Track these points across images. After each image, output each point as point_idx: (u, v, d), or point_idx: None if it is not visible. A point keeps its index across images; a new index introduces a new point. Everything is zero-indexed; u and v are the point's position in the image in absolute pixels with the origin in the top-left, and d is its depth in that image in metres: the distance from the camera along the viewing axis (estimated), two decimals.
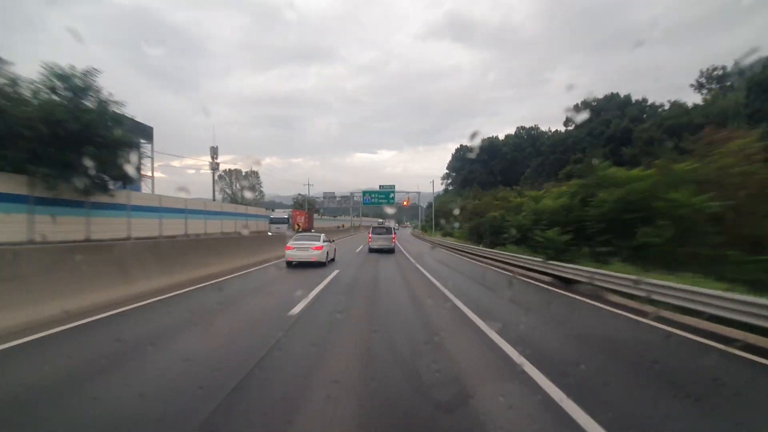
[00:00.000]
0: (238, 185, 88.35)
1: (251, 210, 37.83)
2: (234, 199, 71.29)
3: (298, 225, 33.95)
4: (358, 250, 22.15)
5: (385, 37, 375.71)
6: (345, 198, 69.52)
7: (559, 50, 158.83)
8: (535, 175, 63.10)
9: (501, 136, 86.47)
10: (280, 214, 34.32)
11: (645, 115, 52.08)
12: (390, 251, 20.22)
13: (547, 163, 55.90)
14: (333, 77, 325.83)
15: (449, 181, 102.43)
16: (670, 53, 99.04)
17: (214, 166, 38.30)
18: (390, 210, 62.96)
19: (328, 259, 14.80)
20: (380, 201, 52.29)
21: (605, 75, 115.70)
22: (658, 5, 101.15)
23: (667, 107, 53.21)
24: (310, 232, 28.99)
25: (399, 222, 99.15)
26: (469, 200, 36.23)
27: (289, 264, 13.83)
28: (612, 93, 60.64)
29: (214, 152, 38.51)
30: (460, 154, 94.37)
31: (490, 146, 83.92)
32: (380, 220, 68.56)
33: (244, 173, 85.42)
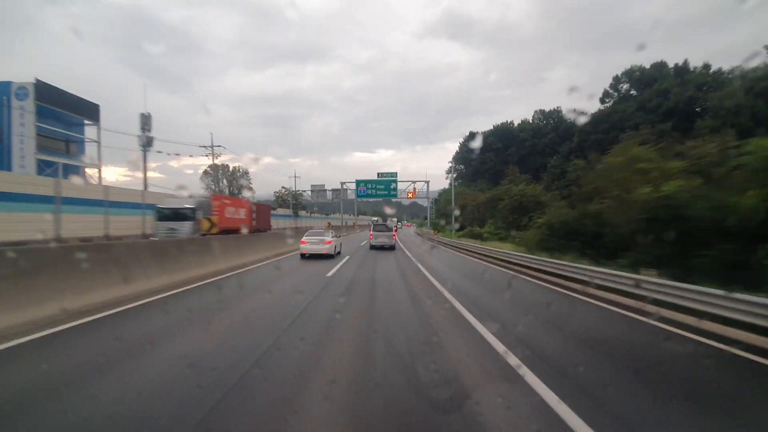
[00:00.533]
0: (225, 181, 78.80)
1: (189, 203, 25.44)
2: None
3: (213, 223, 18.32)
4: (321, 285, 11.04)
5: (382, 35, 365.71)
6: (337, 192, 58.21)
7: (556, 49, 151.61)
8: (565, 162, 52.43)
9: (516, 122, 75.44)
10: (177, 202, 18.28)
11: (713, 82, 41.24)
12: (391, 248, 19.97)
13: (585, 146, 45.02)
14: (330, 76, 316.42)
15: (455, 175, 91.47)
16: (669, 52, 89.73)
17: (144, 141, 27.32)
18: (390, 210, 53.68)
19: (336, 252, 16.05)
20: (379, 193, 41.38)
21: (604, 74, 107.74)
22: (656, 3, 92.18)
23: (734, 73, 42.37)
24: (257, 232, 18.48)
25: (399, 220, 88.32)
26: (504, 186, 25.34)
27: (303, 256, 15.02)
28: (661, 61, 49.92)
29: (144, 121, 27.52)
30: (468, 144, 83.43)
31: (505, 133, 72.93)
32: (375, 219, 59.03)
33: (231, 169, 75.93)
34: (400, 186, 41.33)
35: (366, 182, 41.26)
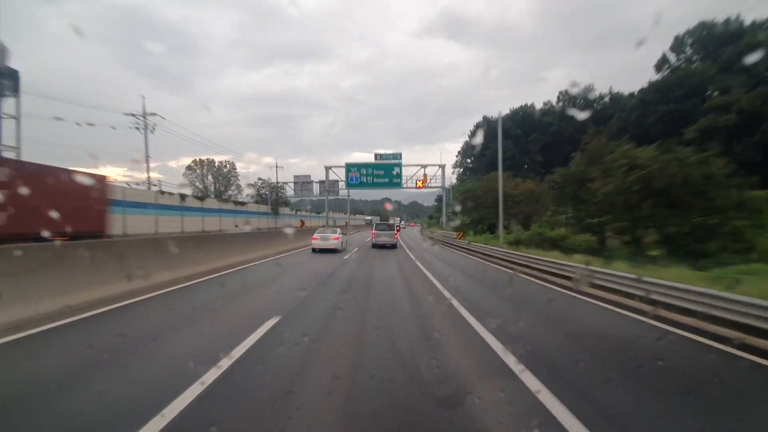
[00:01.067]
0: (210, 177, 69.51)
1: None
2: (206, 195, 52.98)
3: None
4: None
5: (380, 35, 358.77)
6: (326, 184, 47.08)
7: (556, 48, 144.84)
8: (609, 145, 41.77)
9: (538, 105, 64.97)
10: None
11: None
12: (393, 246, 20.48)
13: (648, 121, 34.50)
14: (329, 75, 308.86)
15: (461, 170, 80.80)
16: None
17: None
18: (389, 208, 43.89)
19: (342, 248, 18.51)
20: (377, 181, 30.76)
21: (604, 74, 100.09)
22: (656, 3, 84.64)
23: None
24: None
25: (402, 219, 77.75)
26: (624, 149, 14.59)
27: (314, 250, 17.47)
28: (728, 17, 39.54)
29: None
30: (478, 131, 72.86)
31: (525, 117, 62.53)
32: (368, 219, 49.02)
33: (216, 165, 67.24)
34: (406, 172, 30.79)
35: (360, 167, 30.66)
